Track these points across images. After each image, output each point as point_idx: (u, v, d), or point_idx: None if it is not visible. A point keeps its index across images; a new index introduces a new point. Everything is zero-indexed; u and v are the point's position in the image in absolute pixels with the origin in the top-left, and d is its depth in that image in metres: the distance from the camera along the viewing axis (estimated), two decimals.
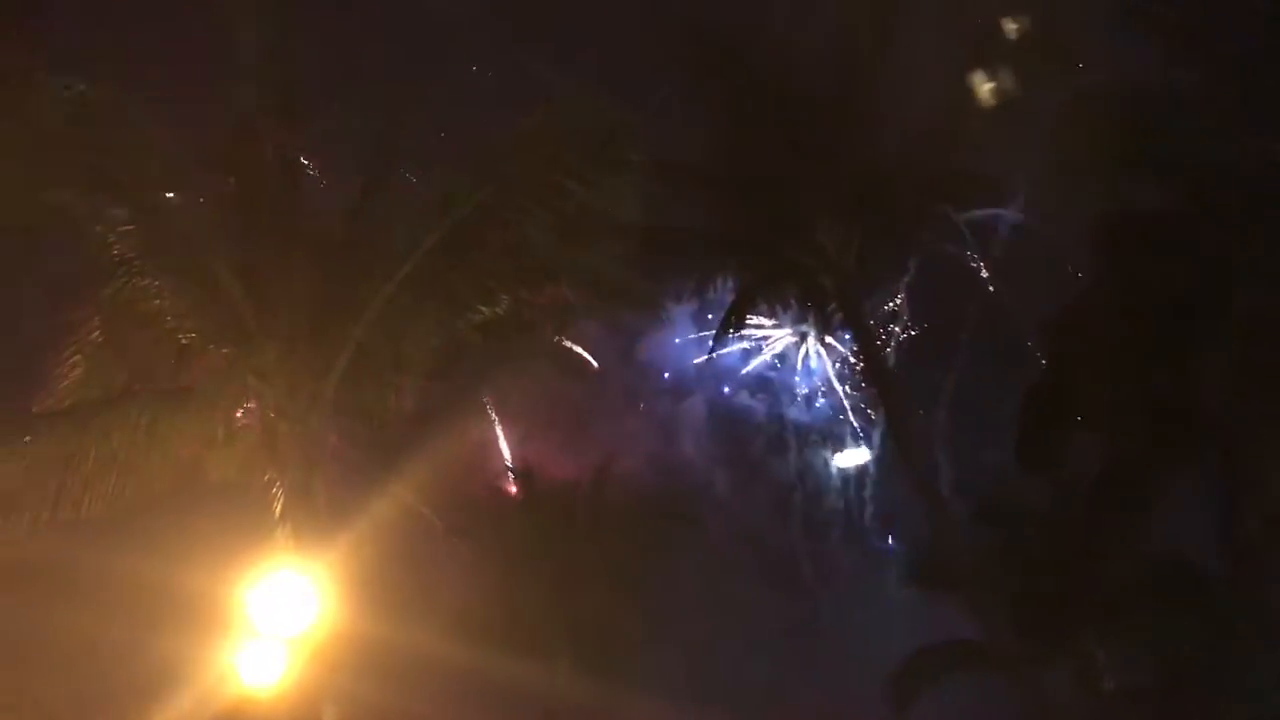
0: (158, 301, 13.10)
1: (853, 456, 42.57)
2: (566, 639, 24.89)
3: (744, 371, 42.00)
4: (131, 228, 12.68)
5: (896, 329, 36.73)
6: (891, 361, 23.19)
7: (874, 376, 21.73)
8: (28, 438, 12.30)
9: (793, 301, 22.46)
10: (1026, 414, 21.03)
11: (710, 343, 24.11)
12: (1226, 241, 16.39)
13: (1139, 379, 18.56)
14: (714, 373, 39.02)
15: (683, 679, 28.87)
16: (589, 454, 28.38)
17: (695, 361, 38.64)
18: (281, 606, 11.81)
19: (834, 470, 42.92)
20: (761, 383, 43.62)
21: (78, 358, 13.12)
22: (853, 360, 39.63)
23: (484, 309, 13.67)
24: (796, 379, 43.54)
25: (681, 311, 31.65)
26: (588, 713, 24.89)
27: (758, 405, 43.22)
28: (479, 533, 23.98)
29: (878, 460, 41.32)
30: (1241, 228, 16.27)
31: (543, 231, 13.71)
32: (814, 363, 43.18)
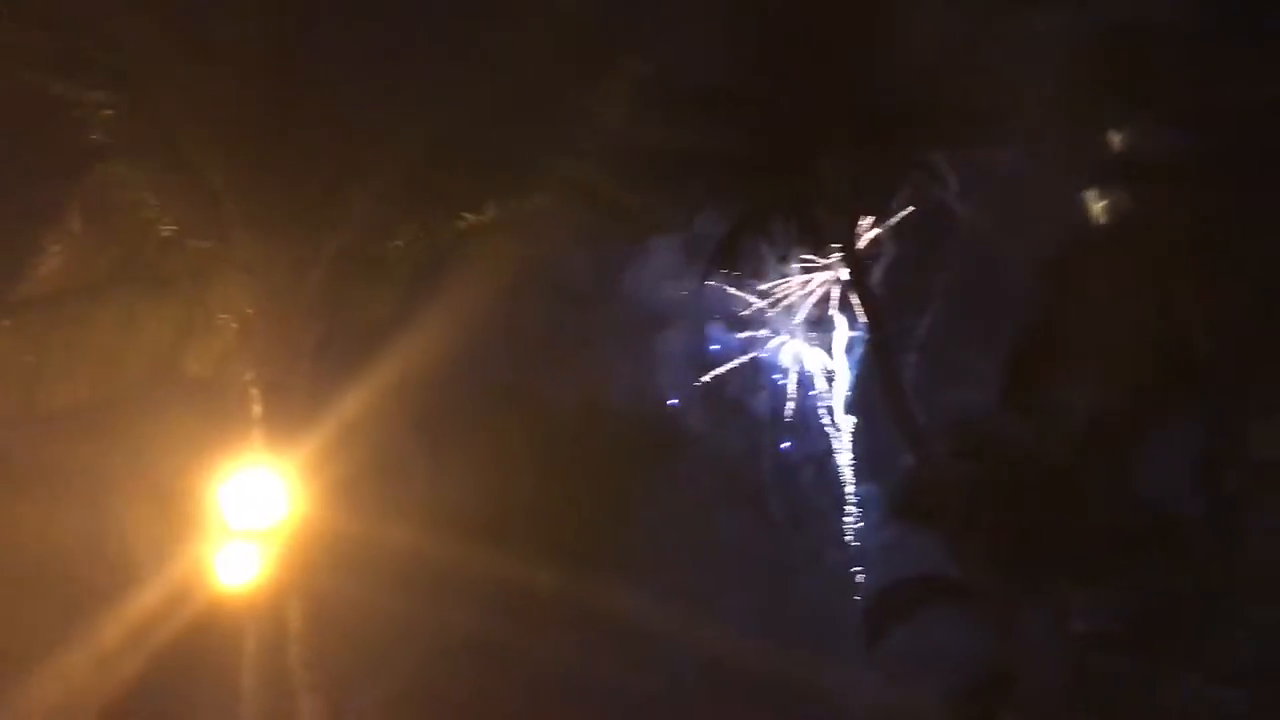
0: (138, 192, 12.81)
1: (838, 394, 42.52)
2: (548, 543, 25.00)
3: (734, 307, 41.86)
4: (111, 113, 12.34)
5: (888, 266, 36.59)
6: (880, 298, 22.96)
7: (864, 313, 21.57)
8: (6, 321, 12.13)
9: (788, 232, 22.28)
10: (1015, 353, 21.03)
11: (703, 273, 23.86)
12: (1228, 187, 16.27)
13: (1131, 323, 18.52)
14: (704, 305, 38.83)
15: (659, 603, 29.02)
16: (575, 376, 28.26)
17: (685, 292, 38.46)
18: (255, 503, 11.69)
19: (818, 408, 42.92)
20: (751, 320, 43.51)
21: (56, 247, 12.88)
22: (842, 299, 39.49)
23: (471, 215, 13.42)
24: (786, 316, 43.41)
25: (674, 240, 31.48)
26: (566, 613, 25.09)
27: (745, 341, 43.13)
28: (462, 439, 23.93)
29: (863, 398, 41.34)
30: (1244, 173, 16.14)
31: (536, 139, 13.47)
32: (806, 300, 43.06)
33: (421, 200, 13.42)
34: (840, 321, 43.88)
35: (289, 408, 12.19)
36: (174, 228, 13.03)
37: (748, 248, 22.45)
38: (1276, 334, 17.22)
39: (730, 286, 32.47)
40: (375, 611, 17.61)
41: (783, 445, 44.78)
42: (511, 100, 13.10)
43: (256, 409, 12.39)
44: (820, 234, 22.25)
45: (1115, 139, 18.82)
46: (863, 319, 24.38)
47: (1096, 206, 19.31)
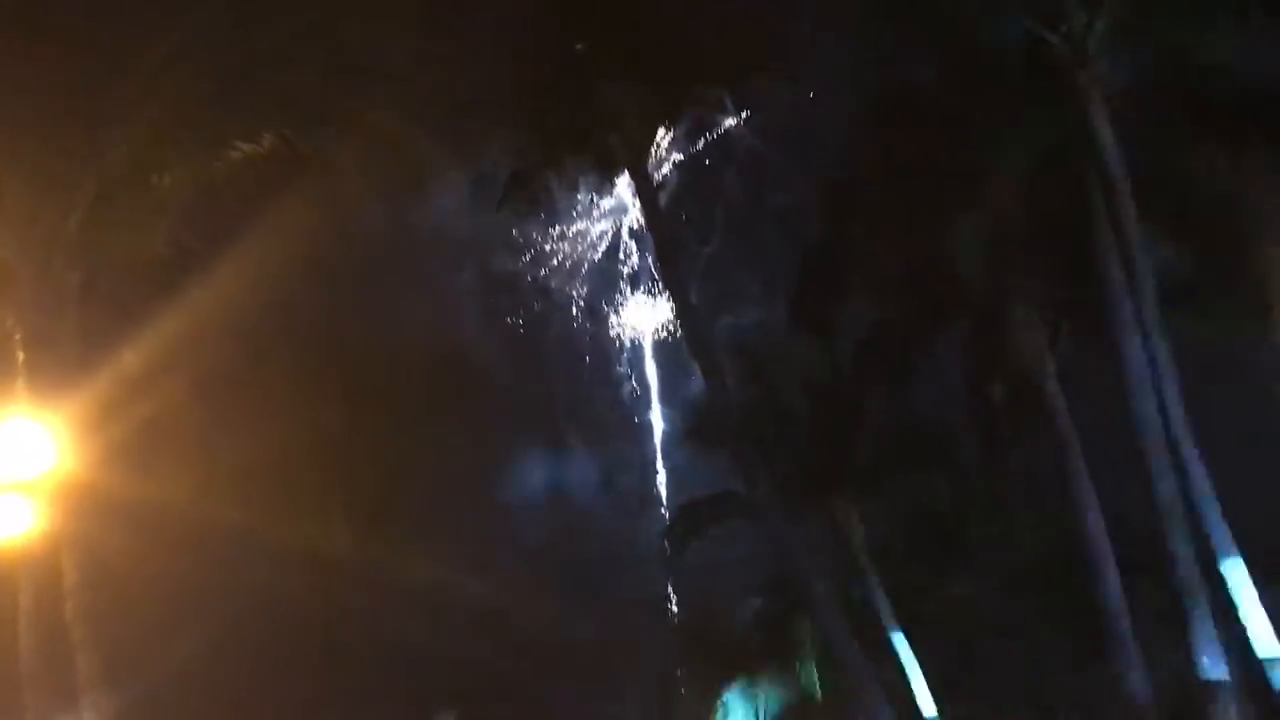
0: None
1: (631, 320, 43.17)
2: (335, 494, 24.58)
3: (526, 242, 41.69)
4: None
5: (676, 195, 37.09)
6: (670, 226, 23.30)
7: (655, 240, 21.89)
8: None
9: (580, 165, 22.32)
10: (800, 278, 21.85)
11: (497, 208, 23.63)
12: (991, 115, 17.11)
13: (904, 247, 19.42)
14: (493, 240, 38.54)
15: (455, 540, 29.05)
16: (363, 315, 27.64)
17: (470, 229, 38.02)
18: (22, 455, 11.06)
19: (613, 335, 43.47)
20: (546, 253, 43.46)
21: None
22: (636, 229, 39.91)
23: (245, 146, 12.81)
24: (582, 249, 43.54)
25: (461, 179, 30.94)
26: (353, 564, 24.79)
27: (538, 273, 43.10)
28: (241, 387, 23.06)
29: (656, 324, 42.12)
30: (1006, 103, 16.97)
31: (314, 72, 12.97)
32: (601, 234, 43.28)
33: (193, 140, 12.75)
34: (632, 252, 44.45)
35: (55, 357, 11.51)
36: None
37: (538, 180, 22.37)
38: (1033, 256, 18.34)
39: (521, 222, 32.11)
40: (161, 569, 17.01)
41: (578, 375, 45.32)
42: (289, 37, 12.54)
43: (20, 357, 11.65)
44: (610, 165, 22.37)
45: (891, 69, 19.48)
46: (654, 248, 24.81)
47: (873, 133, 20.00)
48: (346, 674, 24.84)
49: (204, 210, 13.64)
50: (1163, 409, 14.31)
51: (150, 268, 13.57)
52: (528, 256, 41.14)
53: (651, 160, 21.87)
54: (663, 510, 39.76)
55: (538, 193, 22.40)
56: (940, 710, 23.33)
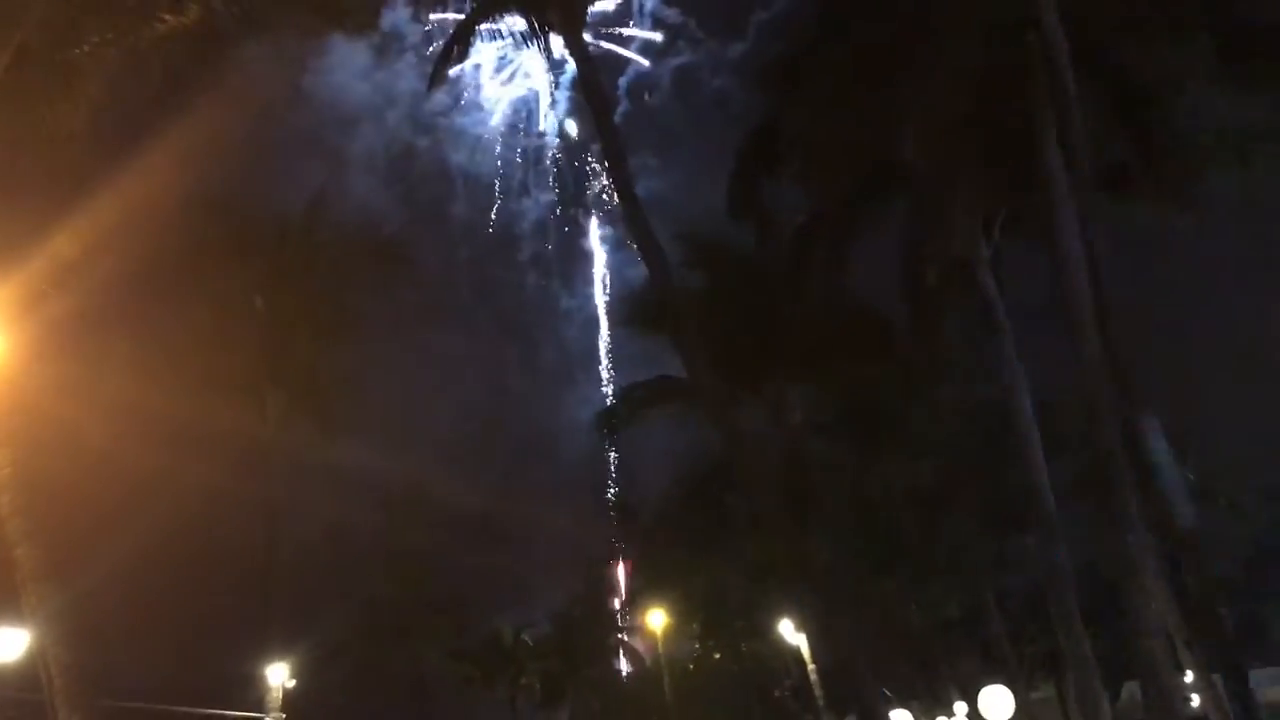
0: None
1: (570, 204, 42.86)
2: (274, 379, 24.27)
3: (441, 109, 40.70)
4: None
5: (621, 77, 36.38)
6: (614, 109, 22.87)
7: (596, 122, 21.45)
8: None
9: (514, 33, 21.62)
10: (739, 161, 21.58)
11: (429, 74, 22.91)
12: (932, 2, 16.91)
13: (843, 128, 19.23)
14: (405, 108, 37.58)
15: (391, 421, 28.99)
16: (293, 188, 26.99)
17: (412, 98, 36.98)
18: None
19: (551, 217, 43.13)
20: (481, 126, 42.59)
21: None
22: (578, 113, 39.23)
23: (169, 16, 12.18)
24: (523, 131, 42.75)
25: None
26: (290, 451, 24.65)
27: (479, 153, 42.32)
28: (176, 274, 22.48)
29: (594, 207, 41.79)
30: None
31: None
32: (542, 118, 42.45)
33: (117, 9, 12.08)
34: (559, 123, 43.61)
35: None
36: None
37: (474, 44, 21.64)
38: (972, 141, 18.30)
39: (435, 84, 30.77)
40: (99, 464, 16.70)
41: (518, 256, 44.87)
42: None
43: None
44: (547, 33, 21.70)
45: None
46: (594, 124, 24.31)
47: (815, 15, 19.66)
48: (286, 554, 24.89)
49: (124, 86, 13.06)
50: (1095, 283, 14.76)
51: (71, 145, 12.98)
52: (445, 123, 40.20)
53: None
54: (605, 393, 40.11)
55: (466, 52, 21.64)
56: (866, 581, 24.13)
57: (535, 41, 20.78)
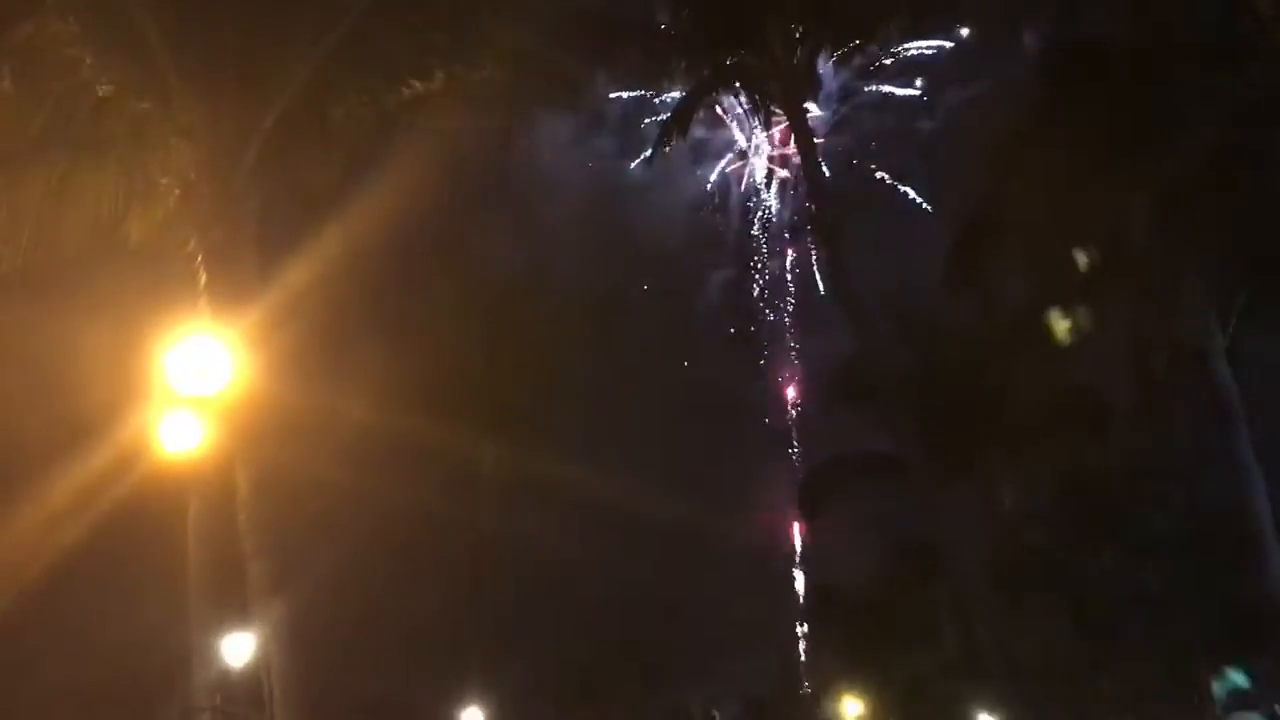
0: (74, 48, 12.35)
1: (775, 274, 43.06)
2: (494, 410, 25.30)
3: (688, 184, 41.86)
4: None
5: (837, 143, 36.55)
6: (830, 175, 22.98)
7: (812, 189, 21.60)
8: None
9: (738, 106, 22.19)
10: (958, 237, 21.25)
11: (651, 149, 23.67)
12: (1180, 78, 16.35)
13: (1071, 209, 18.73)
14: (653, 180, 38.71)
15: (605, 458, 29.58)
16: (521, 248, 28.35)
17: (635, 165, 38.23)
18: (200, 370, 11.60)
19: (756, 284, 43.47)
20: (705, 195, 43.61)
21: None
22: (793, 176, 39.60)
23: (417, 83, 13.15)
24: (737, 194, 43.48)
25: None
26: (510, 482, 25.58)
27: (697, 214, 43.23)
28: (408, 309, 23.99)
29: (808, 276, 41.81)
30: (1195, 62, 16.21)
31: (483, 4, 13.21)
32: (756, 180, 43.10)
33: (363, 63, 13.11)
34: (778, 203, 44.11)
35: (233, 275, 12.04)
36: (111, 88, 12.60)
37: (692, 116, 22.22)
38: (1204, 225, 17.51)
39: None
40: (323, 480, 17.70)
41: (729, 321, 45.46)
42: None
43: (200, 276, 12.22)
44: (770, 109, 22.09)
45: (1053, 25, 18.81)
46: (812, 197, 24.46)
47: (1046, 89, 19.32)
48: (495, 588, 25.79)
49: (372, 138, 14.08)
50: None
51: (321, 193, 14.06)
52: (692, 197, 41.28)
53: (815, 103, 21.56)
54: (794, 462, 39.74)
55: (687, 129, 22.18)
56: (1077, 685, 22.77)
57: (756, 117, 21.20)
